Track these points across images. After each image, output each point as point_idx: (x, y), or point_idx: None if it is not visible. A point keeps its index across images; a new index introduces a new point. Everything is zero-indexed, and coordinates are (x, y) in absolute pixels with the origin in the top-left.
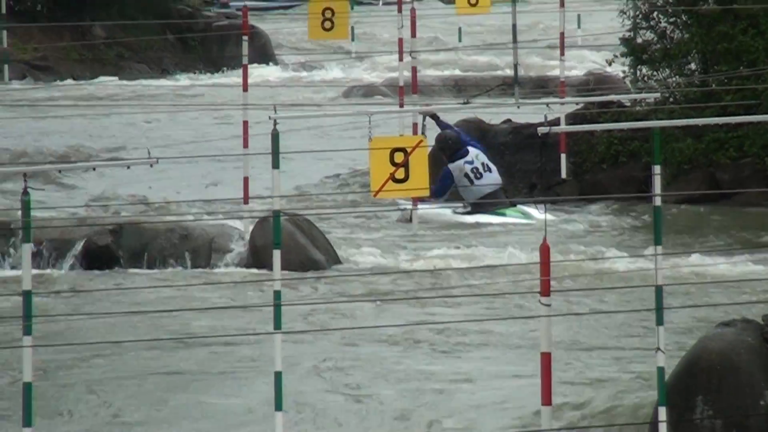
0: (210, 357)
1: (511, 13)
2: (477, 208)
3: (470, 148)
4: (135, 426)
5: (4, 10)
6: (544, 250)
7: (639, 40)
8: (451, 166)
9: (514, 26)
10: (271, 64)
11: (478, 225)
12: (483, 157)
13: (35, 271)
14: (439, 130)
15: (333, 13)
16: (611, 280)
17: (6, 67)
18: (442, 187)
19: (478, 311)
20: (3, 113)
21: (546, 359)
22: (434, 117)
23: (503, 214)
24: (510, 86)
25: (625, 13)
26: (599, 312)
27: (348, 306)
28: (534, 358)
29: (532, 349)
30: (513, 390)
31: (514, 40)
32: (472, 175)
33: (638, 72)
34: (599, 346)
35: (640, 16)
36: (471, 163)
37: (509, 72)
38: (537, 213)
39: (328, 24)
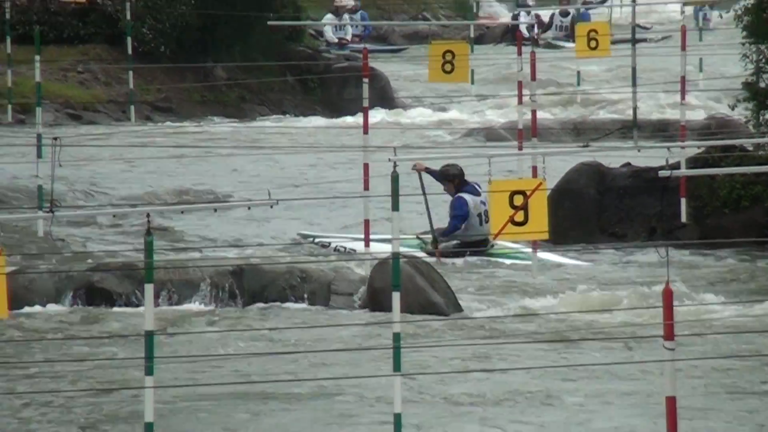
0: (329, 399)
1: (631, 56)
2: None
3: (480, 190)
4: None
5: (129, 51)
6: (667, 294)
7: (762, 85)
8: (465, 196)
9: (633, 69)
10: (390, 106)
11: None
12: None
13: (159, 311)
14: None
15: (453, 56)
16: (730, 326)
17: (131, 107)
18: (462, 217)
19: (599, 356)
20: (129, 154)
21: (671, 404)
22: (428, 170)
23: (504, 255)
24: (629, 129)
25: (747, 57)
26: (729, 356)
27: (470, 348)
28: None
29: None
30: None
31: (634, 84)
32: (484, 217)
33: (761, 116)
34: (726, 391)
35: (764, 60)
36: (484, 204)
37: (629, 116)
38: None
39: (448, 67)
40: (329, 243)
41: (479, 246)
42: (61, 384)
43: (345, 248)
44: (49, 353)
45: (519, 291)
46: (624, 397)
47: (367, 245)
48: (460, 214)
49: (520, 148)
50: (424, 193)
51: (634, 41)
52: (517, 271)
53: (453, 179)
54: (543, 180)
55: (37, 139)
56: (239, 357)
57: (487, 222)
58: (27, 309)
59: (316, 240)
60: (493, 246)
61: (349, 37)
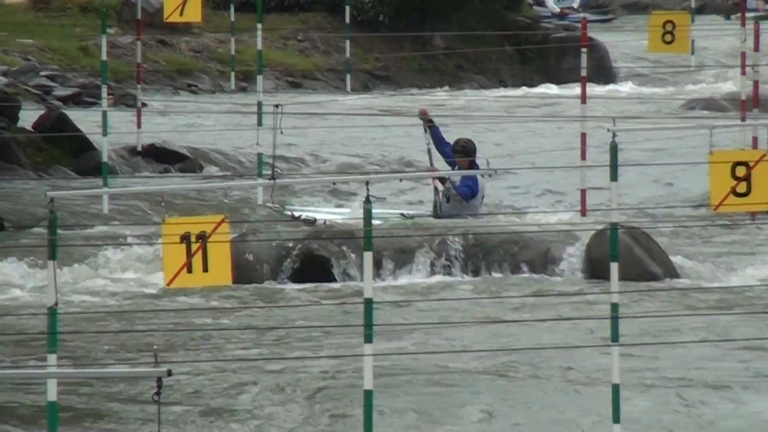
0: (545, 368)
1: None
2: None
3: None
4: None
5: (348, 20)
6: None
7: None
8: (479, 178)
9: None
10: (608, 76)
11: None
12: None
13: (378, 280)
14: (430, 141)
15: (674, 26)
16: None
17: (348, 76)
18: (473, 194)
19: None
20: (345, 122)
21: None
22: (432, 124)
23: None
24: None
25: None
26: None
27: (686, 320)
28: None
29: None
30: None
31: None
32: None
33: None
34: None
35: None
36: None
37: None
38: None
39: (668, 37)
40: (314, 219)
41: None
42: (285, 350)
43: (315, 219)
44: (267, 321)
45: (738, 260)
46: None
47: (583, 214)
48: (474, 190)
49: (744, 119)
50: (429, 149)
51: None
52: (736, 240)
53: (471, 154)
54: (766, 151)
55: (257, 106)
56: (453, 327)
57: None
58: (248, 276)
59: (302, 217)
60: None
61: (575, 5)
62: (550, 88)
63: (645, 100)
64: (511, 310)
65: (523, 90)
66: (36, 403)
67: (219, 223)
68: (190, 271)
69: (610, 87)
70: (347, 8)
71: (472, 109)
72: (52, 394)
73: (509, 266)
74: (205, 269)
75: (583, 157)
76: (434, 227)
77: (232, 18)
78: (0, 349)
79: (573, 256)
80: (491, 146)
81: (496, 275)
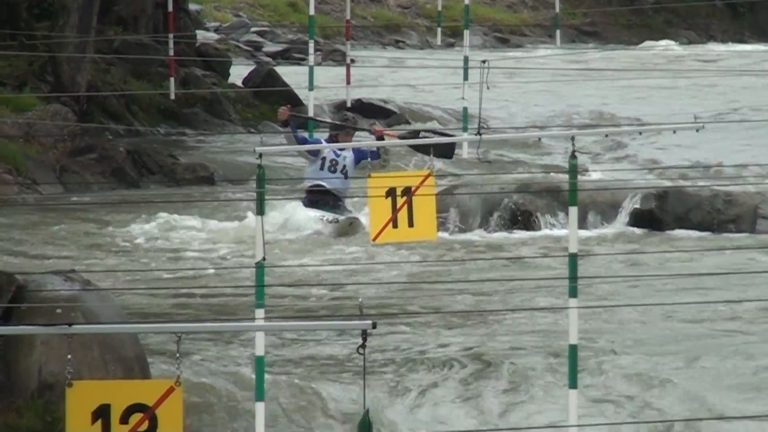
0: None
1: None
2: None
3: (347, 152)
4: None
5: None
6: None
7: None
8: (323, 138)
9: None
10: None
11: None
12: (349, 164)
13: (583, 234)
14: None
15: None
16: None
17: (558, 32)
18: (297, 137)
19: None
20: (554, 77)
21: None
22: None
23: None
24: None
25: None
26: None
27: None
28: None
29: None
30: None
31: None
32: (327, 163)
33: None
34: None
35: None
36: (338, 155)
37: None
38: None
39: None
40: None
41: (320, 196)
42: (479, 302)
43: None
44: (473, 274)
45: None
46: None
47: None
48: (299, 136)
49: None
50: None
51: None
52: None
53: (336, 128)
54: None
55: (464, 61)
56: (658, 278)
57: (333, 172)
58: (454, 229)
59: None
60: None
61: None
62: (762, 45)
63: None
64: (722, 264)
65: (735, 46)
66: (243, 357)
67: (425, 178)
68: (395, 226)
69: None
70: None
71: (678, 64)
72: (260, 347)
73: (717, 222)
74: (411, 224)
75: None
76: (636, 183)
77: None
78: (210, 303)
79: None
80: (700, 102)
81: (706, 231)
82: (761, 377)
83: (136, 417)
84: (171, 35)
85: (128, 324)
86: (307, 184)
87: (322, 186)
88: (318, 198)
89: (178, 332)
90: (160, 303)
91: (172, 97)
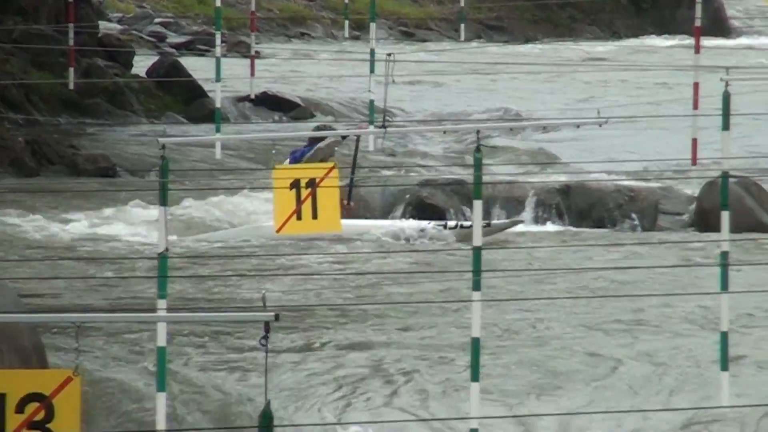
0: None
1: None
2: None
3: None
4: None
5: None
6: None
7: None
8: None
9: None
10: (723, 29)
11: None
12: None
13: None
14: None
15: None
16: None
17: (462, 26)
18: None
19: None
20: (456, 70)
21: None
22: None
23: None
24: None
25: None
26: None
27: None
28: None
29: None
30: None
31: None
32: None
33: None
34: None
35: None
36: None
37: None
38: None
39: None
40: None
41: None
42: (379, 295)
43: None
44: (379, 267)
45: None
46: None
47: (694, 163)
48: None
49: None
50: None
51: None
52: None
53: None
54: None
55: (370, 54)
56: (565, 272)
57: None
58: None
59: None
60: None
61: None
62: (662, 39)
63: (762, 52)
64: (621, 258)
65: (637, 41)
66: (145, 347)
67: (329, 171)
68: (299, 218)
69: (725, 39)
70: None
71: (585, 60)
72: (161, 338)
73: (620, 218)
74: (315, 216)
75: (695, 106)
76: (539, 177)
77: None
78: (111, 294)
79: (684, 207)
80: (603, 97)
81: (609, 227)
82: (656, 372)
83: (32, 406)
84: (71, 25)
85: (25, 314)
86: None
87: None
88: None
89: (77, 322)
90: (60, 294)
91: (71, 86)
